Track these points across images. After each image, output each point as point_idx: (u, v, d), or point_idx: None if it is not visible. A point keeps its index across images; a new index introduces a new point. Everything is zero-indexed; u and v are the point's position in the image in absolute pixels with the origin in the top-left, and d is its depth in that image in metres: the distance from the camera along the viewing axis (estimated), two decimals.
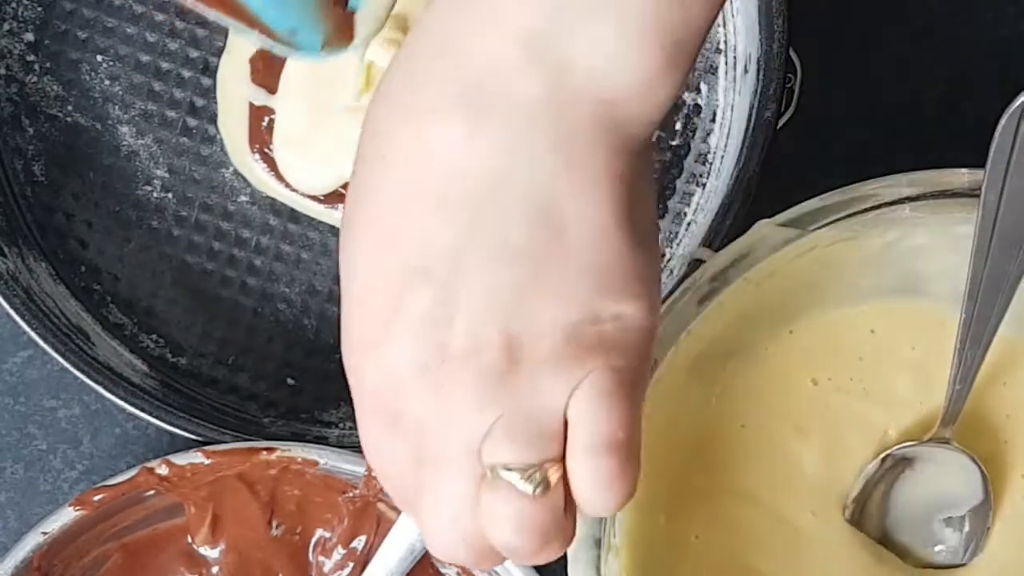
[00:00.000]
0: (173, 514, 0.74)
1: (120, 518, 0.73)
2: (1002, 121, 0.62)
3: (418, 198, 0.50)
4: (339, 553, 0.74)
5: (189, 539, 0.74)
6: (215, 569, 0.74)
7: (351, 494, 0.73)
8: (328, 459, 0.71)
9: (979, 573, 0.71)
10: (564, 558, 0.66)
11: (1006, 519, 0.71)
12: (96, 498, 0.71)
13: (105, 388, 0.74)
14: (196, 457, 0.71)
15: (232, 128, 0.79)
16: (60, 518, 0.71)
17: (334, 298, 0.78)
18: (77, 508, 0.71)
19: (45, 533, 0.71)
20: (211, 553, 0.74)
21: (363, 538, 0.74)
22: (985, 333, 0.66)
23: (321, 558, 0.75)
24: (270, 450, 0.71)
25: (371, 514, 0.73)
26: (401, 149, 0.50)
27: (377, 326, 0.50)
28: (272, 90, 0.79)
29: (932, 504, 0.71)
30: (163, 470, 0.71)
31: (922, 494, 0.71)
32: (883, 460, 0.70)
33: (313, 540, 0.75)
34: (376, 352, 0.50)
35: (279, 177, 0.79)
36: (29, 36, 0.79)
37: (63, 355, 0.74)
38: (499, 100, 0.49)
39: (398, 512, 0.71)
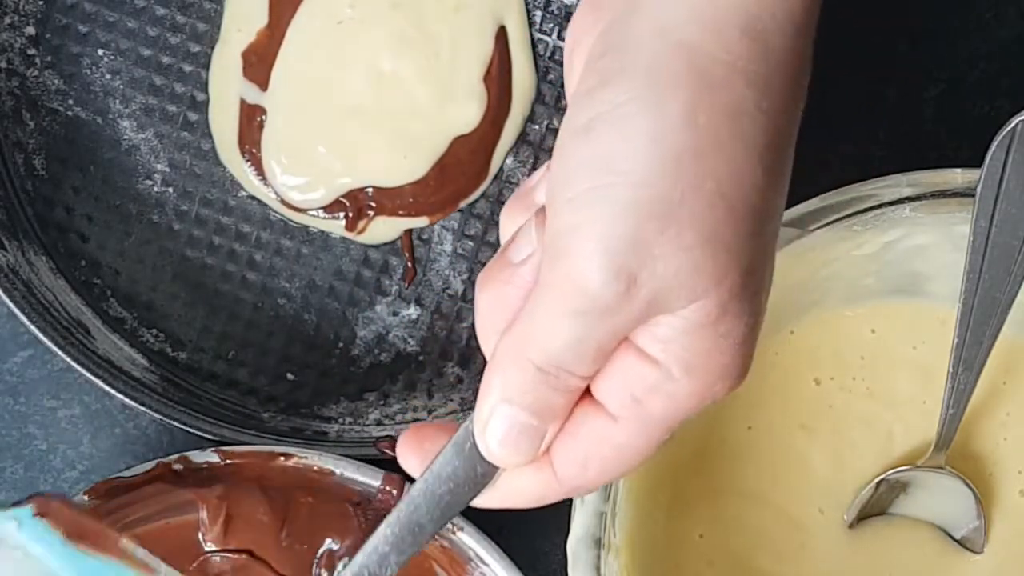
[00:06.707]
0: (185, 511, 0.73)
1: (133, 509, 0.72)
2: (991, 148, 0.62)
3: None
4: (344, 566, 0.74)
5: (200, 536, 0.74)
6: (220, 570, 0.74)
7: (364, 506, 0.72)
8: (344, 469, 0.71)
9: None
10: (564, 558, 0.66)
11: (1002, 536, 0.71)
12: (110, 488, 0.71)
13: (105, 382, 0.74)
14: (213, 456, 0.71)
15: (222, 125, 0.78)
16: None
17: (334, 293, 0.78)
18: (91, 497, 0.70)
19: None
20: (219, 553, 0.74)
21: None
22: (978, 358, 0.66)
23: (324, 572, 0.74)
24: (287, 456, 0.70)
25: None
26: None
27: None
28: (265, 87, 0.78)
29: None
30: (179, 467, 0.71)
31: (918, 518, 0.71)
32: (878, 485, 0.70)
33: (320, 552, 0.74)
34: None
35: (268, 183, 0.78)
36: (30, 30, 0.79)
37: (63, 349, 0.74)
38: None
39: None
